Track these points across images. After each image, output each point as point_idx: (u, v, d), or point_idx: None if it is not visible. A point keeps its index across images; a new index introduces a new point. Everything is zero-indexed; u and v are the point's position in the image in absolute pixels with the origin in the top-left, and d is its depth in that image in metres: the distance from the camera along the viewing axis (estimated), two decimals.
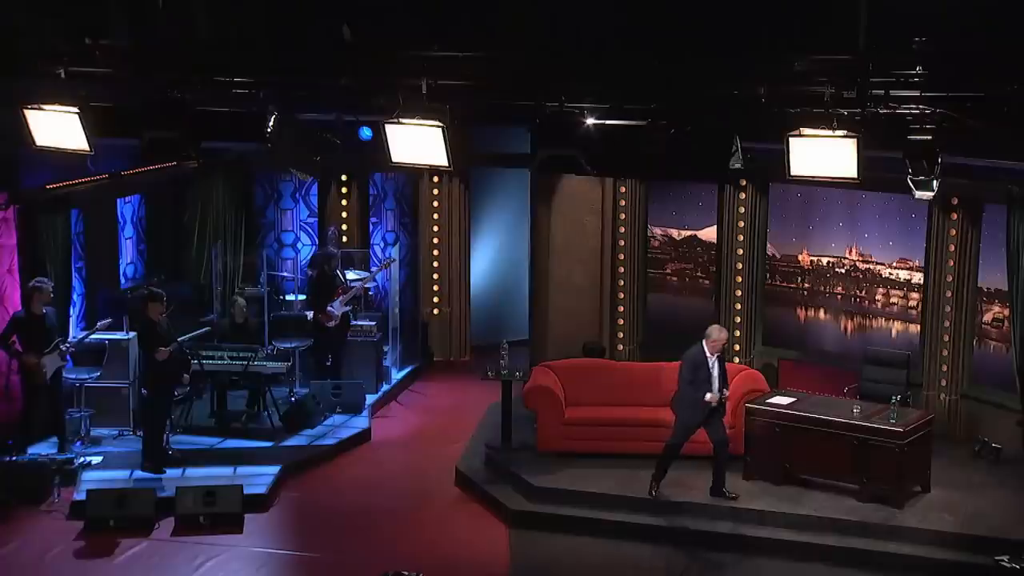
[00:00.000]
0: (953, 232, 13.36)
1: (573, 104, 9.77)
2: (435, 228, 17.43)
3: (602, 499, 11.87)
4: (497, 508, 12.05)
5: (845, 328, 14.57)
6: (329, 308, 14.93)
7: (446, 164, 10.10)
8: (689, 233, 15.72)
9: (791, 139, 9.36)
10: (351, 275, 15.80)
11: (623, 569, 11.01)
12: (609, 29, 9.66)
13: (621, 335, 16.09)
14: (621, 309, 16.05)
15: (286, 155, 12.34)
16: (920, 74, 8.85)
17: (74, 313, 14.43)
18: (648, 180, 15.50)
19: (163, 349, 12.55)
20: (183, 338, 14.34)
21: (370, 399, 15.02)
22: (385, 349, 16.03)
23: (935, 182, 9.49)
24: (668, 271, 15.94)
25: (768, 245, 15.10)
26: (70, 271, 14.00)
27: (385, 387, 15.71)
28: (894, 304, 14.20)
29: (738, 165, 9.84)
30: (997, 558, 6.83)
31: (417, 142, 10.00)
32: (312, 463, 13.26)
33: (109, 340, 13.63)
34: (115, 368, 13.60)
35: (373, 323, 15.72)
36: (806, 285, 14.95)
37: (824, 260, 14.76)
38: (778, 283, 15.16)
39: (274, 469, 12.75)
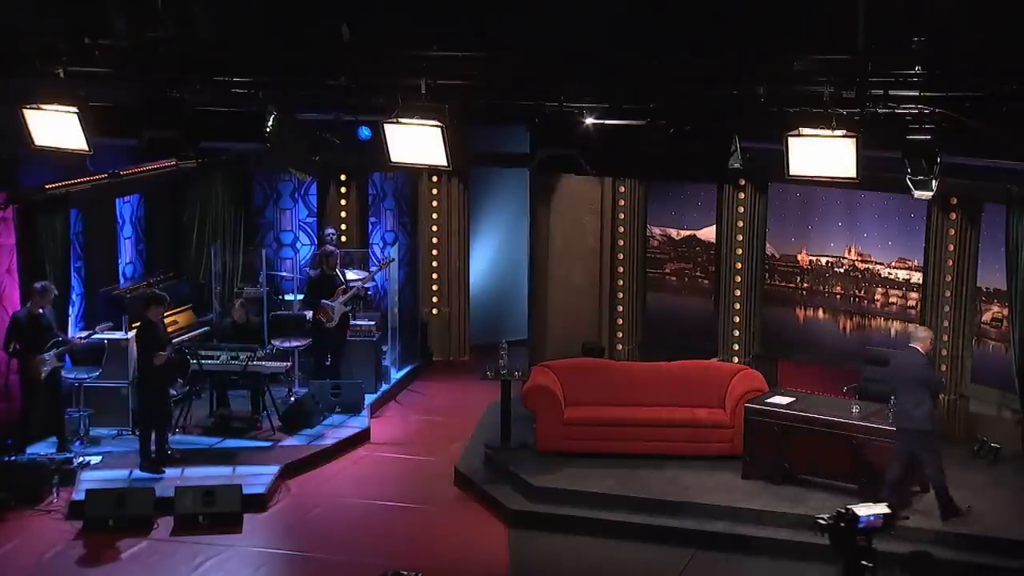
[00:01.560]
0: (952, 232, 13.36)
1: (572, 104, 9.77)
2: (434, 228, 17.43)
3: (602, 499, 11.86)
4: (496, 508, 12.05)
5: (844, 328, 14.57)
6: (325, 302, 14.90)
7: (445, 164, 10.10)
8: (688, 233, 15.73)
9: (790, 139, 9.36)
10: (350, 275, 15.80)
11: (623, 569, 11.00)
12: (608, 29, 9.67)
13: (620, 335, 16.09)
14: (620, 309, 16.06)
15: (285, 155, 12.32)
16: (919, 74, 8.86)
17: (73, 313, 14.43)
18: (647, 180, 15.51)
19: (161, 354, 12.56)
20: (182, 338, 14.39)
21: (369, 399, 15.02)
22: (384, 349, 16.03)
23: (934, 182, 9.50)
24: (667, 271, 15.94)
25: (767, 245, 15.10)
26: (69, 271, 13.99)
27: (384, 387, 15.71)
28: (893, 304, 14.20)
29: (737, 165, 9.85)
30: (817, 517, 7.16)
31: (416, 142, 10.01)
32: (311, 463, 13.26)
33: (108, 340, 13.63)
34: (114, 368, 13.60)
35: (372, 323, 15.73)
36: (805, 285, 14.95)
37: (823, 260, 14.76)
38: (777, 283, 15.17)
39: (273, 469, 12.75)
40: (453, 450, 13.50)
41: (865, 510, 7.12)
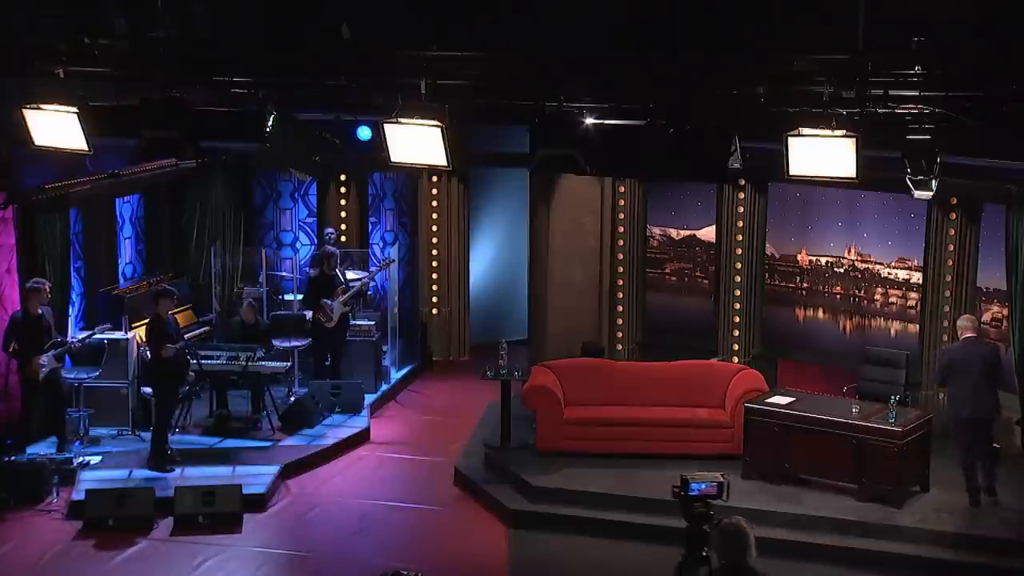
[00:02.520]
0: (952, 231, 13.37)
1: (572, 104, 9.77)
2: (434, 228, 17.43)
3: (601, 499, 11.86)
4: (496, 508, 12.05)
5: (844, 328, 14.57)
6: (325, 301, 14.90)
7: (445, 164, 10.10)
8: (688, 233, 15.73)
9: (790, 139, 9.36)
10: (350, 275, 15.80)
11: (623, 569, 11.01)
12: (608, 28, 9.66)
13: (620, 335, 16.09)
14: (620, 309, 16.06)
15: (285, 155, 12.32)
16: (919, 74, 8.85)
17: (73, 313, 14.42)
18: (647, 180, 15.50)
19: (169, 346, 12.57)
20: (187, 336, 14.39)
21: (369, 399, 15.02)
22: (384, 349, 16.03)
23: (934, 182, 9.49)
24: (667, 271, 15.94)
25: (767, 245, 15.10)
26: (69, 271, 13.99)
27: (384, 387, 15.71)
28: (893, 304, 14.21)
29: (737, 165, 9.84)
30: (673, 486, 8.13)
31: (416, 142, 10.00)
32: (311, 463, 13.25)
33: (108, 340, 13.63)
34: (114, 368, 13.59)
35: (372, 323, 15.73)
36: (805, 285, 14.96)
37: (823, 260, 14.77)
38: (777, 283, 15.17)
39: (273, 469, 12.74)
40: (453, 450, 13.49)
41: (699, 478, 7.96)
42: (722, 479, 8.01)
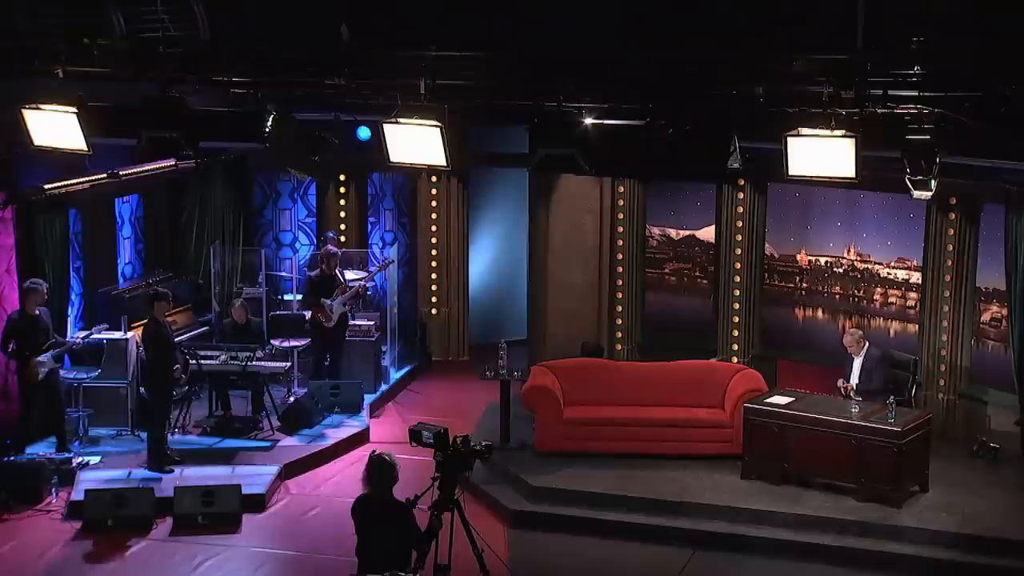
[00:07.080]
0: (951, 232, 13.36)
1: (571, 104, 9.77)
2: (433, 228, 17.42)
3: (601, 499, 11.87)
4: (496, 508, 12.04)
5: (843, 328, 14.55)
6: (325, 301, 14.89)
7: (444, 164, 10.10)
8: (687, 233, 15.72)
9: (789, 139, 9.36)
10: (349, 275, 15.79)
11: (623, 569, 11.01)
12: (607, 28, 9.67)
13: (619, 335, 16.08)
14: (619, 309, 16.05)
15: (284, 155, 12.33)
16: (918, 74, 8.86)
17: (72, 313, 14.42)
18: (646, 180, 15.50)
19: (177, 367, 12.72)
20: (182, 338, 14.38)
21: (368, 399, 15.01)
22: (383, 349, 16.02)
23: (933, 182, 9.49)
24: (666, 271, 15.94)
25: (766, 245, 15.10)
26: (68, 271, 13.99)
27: (383, 387, 15.70)
28: (892, 304, 14.20)
29: (736, 165, 9.85)
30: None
31: (415, 142, 10.01)
32: (310, 463, 13.25)
33: (107, 340, 13.62)
34: (113, 368, 13.59)
35: (371, 323, 15.72)
36: (804, 285, 14.95)
37: (822, 260, 14.76)
38: (776, 283, 15.17)
39: (272, 469, 12.75)
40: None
41: (425, 428, 8.62)
42: (441, 430, 8.61)
